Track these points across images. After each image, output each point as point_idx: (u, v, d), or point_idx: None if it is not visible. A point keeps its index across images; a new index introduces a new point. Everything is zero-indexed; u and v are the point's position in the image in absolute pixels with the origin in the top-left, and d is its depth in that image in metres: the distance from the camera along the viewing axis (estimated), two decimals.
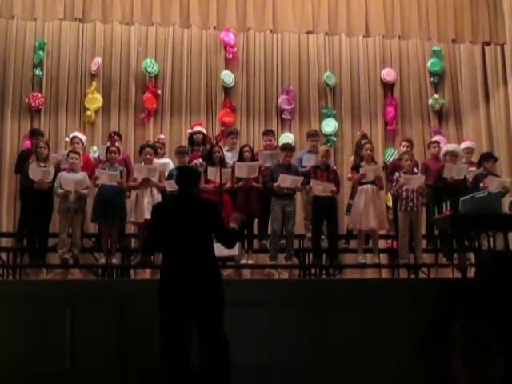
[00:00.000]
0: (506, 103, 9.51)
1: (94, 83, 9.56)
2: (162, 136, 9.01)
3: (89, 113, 9.49)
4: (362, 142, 8.04)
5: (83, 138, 8.32)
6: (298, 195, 7.81)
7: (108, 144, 7.92)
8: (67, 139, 8.48)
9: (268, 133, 8.45)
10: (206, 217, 4.61)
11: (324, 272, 7.44)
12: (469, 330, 5.08)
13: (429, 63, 10.37)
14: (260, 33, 9.88)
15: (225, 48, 9.98)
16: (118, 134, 8.48)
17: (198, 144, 8.23)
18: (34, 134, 8.28)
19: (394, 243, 8.11)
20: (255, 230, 7.78)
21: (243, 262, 7.37)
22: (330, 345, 5.54)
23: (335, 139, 9.95)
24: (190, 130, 8.67)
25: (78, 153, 7.53)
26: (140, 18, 9.03)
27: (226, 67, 9.99)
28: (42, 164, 7.32)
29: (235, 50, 9.99)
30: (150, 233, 4.73)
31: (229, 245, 4.81)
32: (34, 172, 7.19)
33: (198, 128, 8.49)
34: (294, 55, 10.17)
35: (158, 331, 4.47)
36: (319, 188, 7.29)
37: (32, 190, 7.18)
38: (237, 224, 4.87)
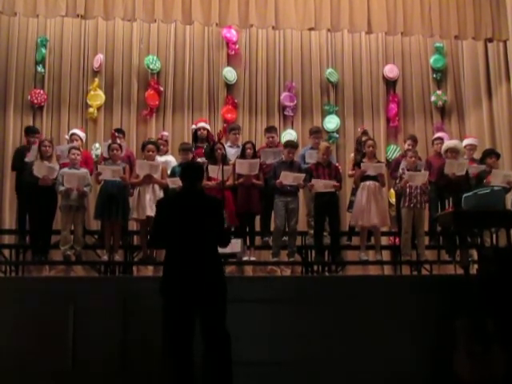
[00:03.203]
0: (508, 100, 9.50)
1: (97, 80, 9.55)
2: (165, 133, 9.01)
3: (91, 110, 9.49)
4: (363, 138, 8.02)
5: (82, 135, 8.35)
6: (301, 192, 7.81)
7: (110, 141, 7.92)
8: (67, 137, 8.49)
9: (270, 130, 8.44)
10: (210, 212, 4.64)
11: (326, 269, 7.44)
12: (471, 326, 5.08)
13: (431, 60, 10.35)
14: (262, 29, 9.86)
15: (227, 45, 9.97)
16: (121, 131, 8.47)
17: (201, 140, 8.24)
18: (30, 131, 8.26)
19: (397, 240, 8.11)
20: (257, 227, 7.79)
21: (245, 258, 7.37)
22: (331, 342, 5.54)
23: (337, 136, 9.94)
24: (194, 126, 8.68)
25: (78, 148, 7.55)
26: (142, 15, 9.03)
27: (228, 64, 9.99)
28: (45, 162, 7.33)
29: (237, 46, 9.98)
30: (156, 226, 4.75)
31: (222, 245, 4.81)
32: (39, 169, 7.20)
33: (202, 124, 8.50)
34: (296, 52, 10.16)
35: (162, 326, 4.48)
36: (321, 185, 7.28)
37: (36, 187, 7.19)
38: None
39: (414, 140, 8.36)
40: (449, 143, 8.16)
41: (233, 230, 7.27)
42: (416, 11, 9.47)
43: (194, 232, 4.51)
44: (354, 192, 7.88)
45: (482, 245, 6.36)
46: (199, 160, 7.80)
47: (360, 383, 5.49)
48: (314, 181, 7.29)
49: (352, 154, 8.50)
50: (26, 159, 7.61)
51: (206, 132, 8.34)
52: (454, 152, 7.76)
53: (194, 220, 4.55)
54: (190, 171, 4.87)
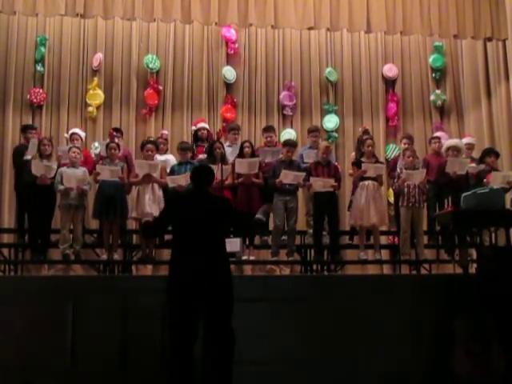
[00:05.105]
0: (507, 99, 9.51)
1: (96, 79, 9.55)
2: (165, 132, 9.02)
3: (90, 109, 9.49)
4: (364, 137, 8.02)
5: (82, 134, 8.34)
6: (300, 191, 7.81)
7: (108, 140, 7.91)
8: (66, 136, 8.49)
9: (268, 129, 8.43)
10: (219, 214, 4.68)
11: (325, 268, 7.44)
12: (470, 326, 5.09)
13: (430, 59, 10.35)
14: (262, 29, 9.86)
15: (226, 44, 9.97)
16: (119, 130, 8.46)
17: (202, 140, 8.25)
18: (26, 128, 8.24)
19: (396, 239, 8.10)
20: None
21: (244, 258, 7.35)
22: (331, 341, 5.54)
23: (337, 135, 9.95)
24: (194, 128, 8.69)
25: (78, 148, 7.54)
26: (141, 14, 9.05)
27: (228, 63, 9.98)
28: (44, 160, 7.32)
29: (237, 45, 9.98)
30: (159, 218, 4.96)
31: (249, 235, 4.89)
32: (37, 167, 7.19)
33: (201, 124, 8.53)
34: (295, 51, 10.16)
35: (163, 325, 4.47)
36: (319, 184, 7.28)
37: (34, 186, 7.18)
38: (264, 215, 4.98)
39: (410, 139, 8.37)
40: (450, 141, 8.16)
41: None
42: (415, 10, 9.49)
43: (201, 232, 4.54)
44: (354, 192, 7.87)
45: (481, 244, 6.38)
46: (200, 157, 7.81)
47: (360, 383, 5.49)
48: (312, 180, 7.29)
49: (353, 154, 8.50)
50: (25, 157, 7.59)
51: (206, 132, 8.37)
52: (455, 150, 7.75)
53: (202, 220, 4.58)
54: (200, 174, 4.92)
